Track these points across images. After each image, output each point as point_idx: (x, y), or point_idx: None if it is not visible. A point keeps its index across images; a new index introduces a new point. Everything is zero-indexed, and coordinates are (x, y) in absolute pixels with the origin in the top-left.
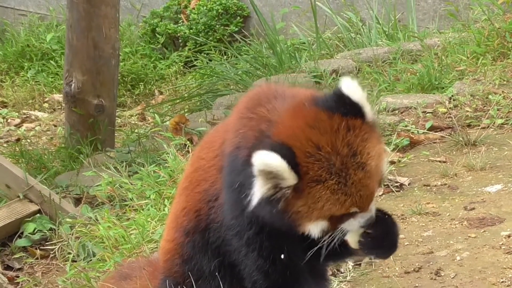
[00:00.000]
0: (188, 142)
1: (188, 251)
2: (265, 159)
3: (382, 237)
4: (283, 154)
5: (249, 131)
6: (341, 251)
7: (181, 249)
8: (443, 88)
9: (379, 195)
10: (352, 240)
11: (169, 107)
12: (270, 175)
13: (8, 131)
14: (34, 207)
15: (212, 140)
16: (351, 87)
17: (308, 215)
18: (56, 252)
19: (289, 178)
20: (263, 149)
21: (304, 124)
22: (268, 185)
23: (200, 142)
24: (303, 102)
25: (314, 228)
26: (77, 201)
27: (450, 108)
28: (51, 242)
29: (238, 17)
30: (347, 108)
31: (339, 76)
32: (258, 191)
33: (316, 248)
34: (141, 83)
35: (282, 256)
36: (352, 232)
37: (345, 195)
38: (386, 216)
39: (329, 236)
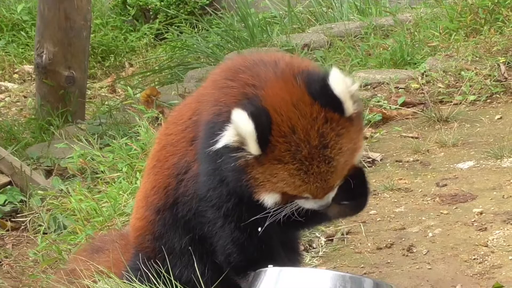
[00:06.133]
0: (160, 114)
1: (159, 229)
2: (241, 121)
3: (353, 188)
4: (259, 123)
5: (231, 97)
6: (312, 217)
7: (152, 227)
8: (416, 63)
9: None
10: None
11: (140, 79)
12: (240, 135)
13: None
14: (5, 179)
15: (180, 114)
16: (336, 80)
17: (264, 185)
18: (27, 224)
19: (253, 148)
20: (248, 107)
21: (289, 100)
22: (236, 138)
23: (167, 119)
24: (294, 74)
25: (268, 198)
26: (48, 173)
27: (422, 84)
28: (22, 214)
29: None
30: (327, 100)
31: (311, 51)
32: (227, 136)
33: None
34: (112, 55)
35: (259, 229)
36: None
37: (302, 182)
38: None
39: (281, 208)
